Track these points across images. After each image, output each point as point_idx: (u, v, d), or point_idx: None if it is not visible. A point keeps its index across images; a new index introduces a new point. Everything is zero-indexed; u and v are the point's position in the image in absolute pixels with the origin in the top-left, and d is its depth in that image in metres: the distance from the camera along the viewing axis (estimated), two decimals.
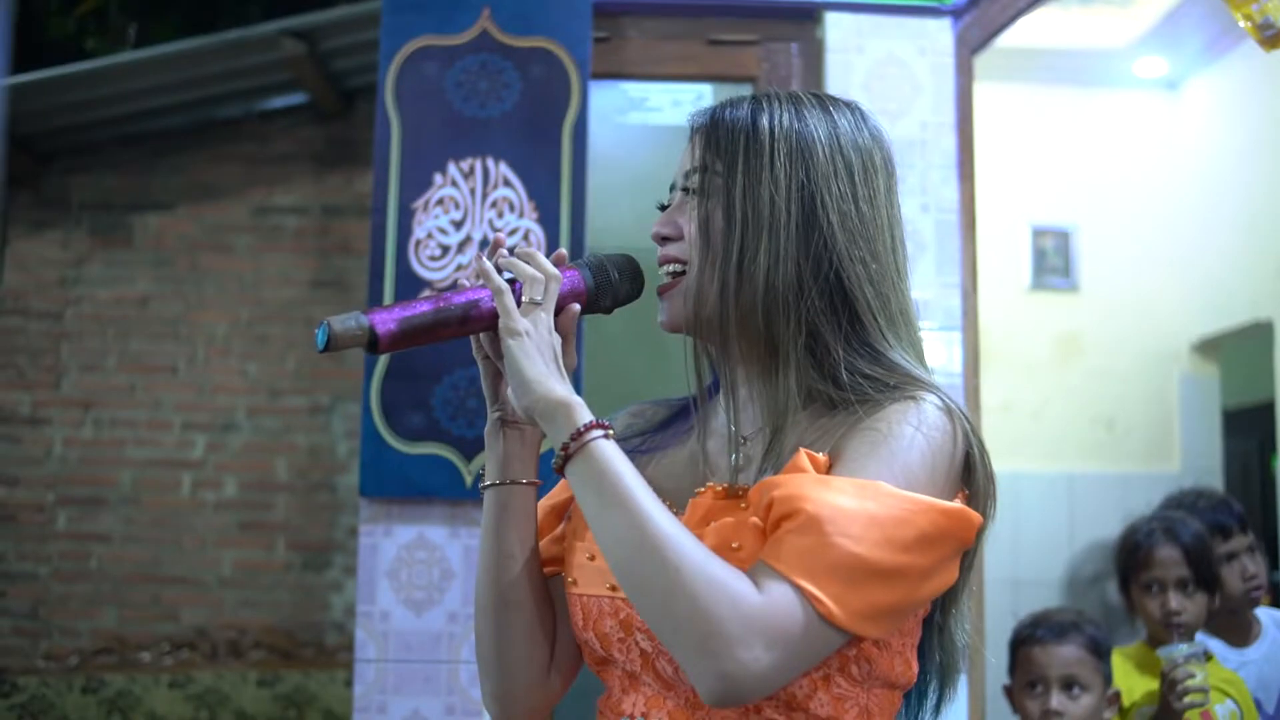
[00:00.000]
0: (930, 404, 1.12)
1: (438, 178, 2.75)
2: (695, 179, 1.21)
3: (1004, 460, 4.47)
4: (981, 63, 3.06)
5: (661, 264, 1.23)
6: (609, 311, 1.26)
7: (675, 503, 1.15)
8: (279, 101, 4.99)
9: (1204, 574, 2.45)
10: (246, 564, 4.88)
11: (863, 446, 1.09)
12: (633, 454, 1.18)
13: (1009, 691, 2.31)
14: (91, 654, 4.65)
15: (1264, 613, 2.71)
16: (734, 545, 1.07)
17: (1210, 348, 5.31)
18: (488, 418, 1.25)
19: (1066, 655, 2.20)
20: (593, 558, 1.18)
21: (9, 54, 3.24)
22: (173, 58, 4.41)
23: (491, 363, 1.22)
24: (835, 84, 2.92)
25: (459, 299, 1.15)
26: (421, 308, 1.13)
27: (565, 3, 2.82)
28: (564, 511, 1.31)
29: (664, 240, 1.23)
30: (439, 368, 2.68)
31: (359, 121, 4.88)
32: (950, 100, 2.94)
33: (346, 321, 1.10)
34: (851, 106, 1.25)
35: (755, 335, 1.18)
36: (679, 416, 1.30)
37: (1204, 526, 2.57)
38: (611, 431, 1.11)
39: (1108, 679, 2.25)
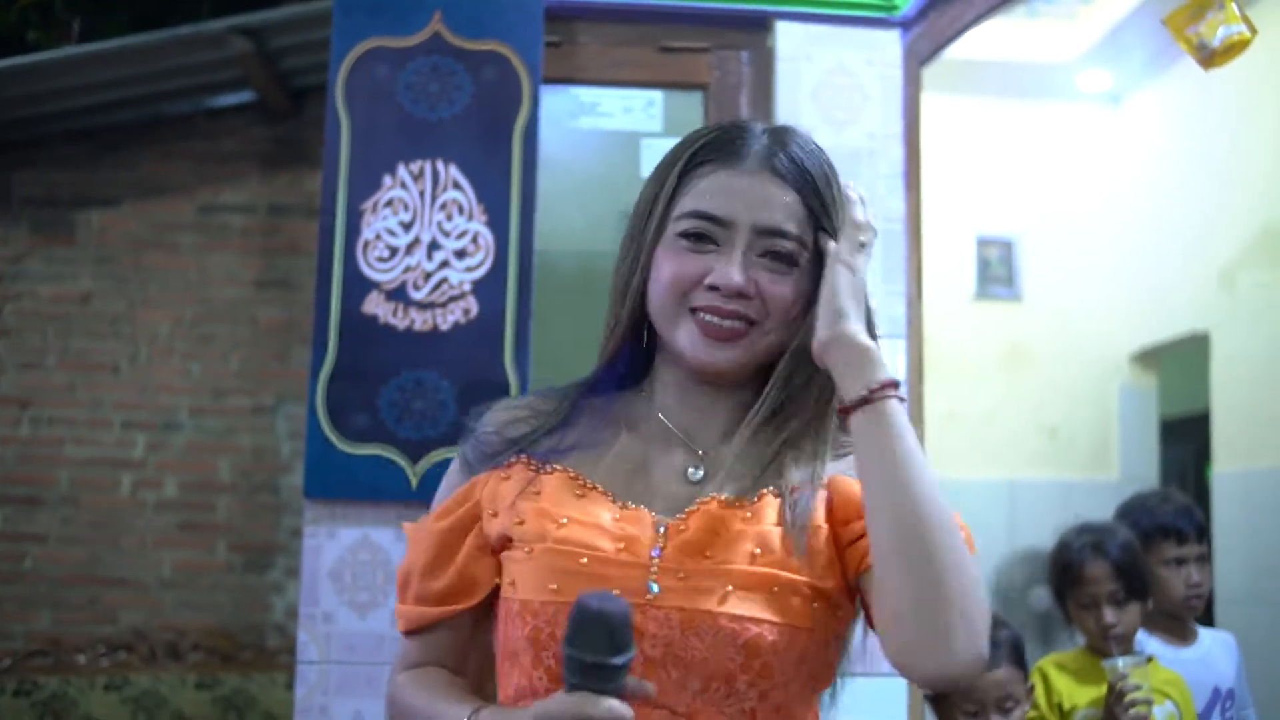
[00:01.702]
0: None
1: (387, 179, 2.74)
2: (792, 247, 1.23)
3: (948, 468, 4.52)
4: (929, 74, 3.10)
5: (724, 317, 1.22)
6: None
7: (619, 499, 1.20)
8: (227, 99, 4.94)
9: (1135, 584, 2.50)
10: (187, 565, 4.82)
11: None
12: (556, 453, 1.24)
13: (933, 701, 2.34)
14: (25, 656, 4.57)
15: (1207, 631, 2.77)
16: (755, 551, 1.14)
17: (1149, 358, 5.41)
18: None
19: (1000, 678, 2.24)
20: (589, 562, 1.16)
21: None
22: (119, 53, 4.36)
23: None
24: (785, 93, 2.94)
25: None
26: None
27: (517, 6, 2.82)
28: (463, 535, 1.26)
29: (740, 296, 1.22)
30: (386, 369, 2.67)
31: (308, 121, 4.84)
32: (898, 111, 2.97)
33: None
34: None
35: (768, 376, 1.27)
36: (581, 414, 1.30)
37: (1145, 534, 2.62)
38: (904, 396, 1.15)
39: (1025, 674, 2.32)
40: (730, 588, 1.12)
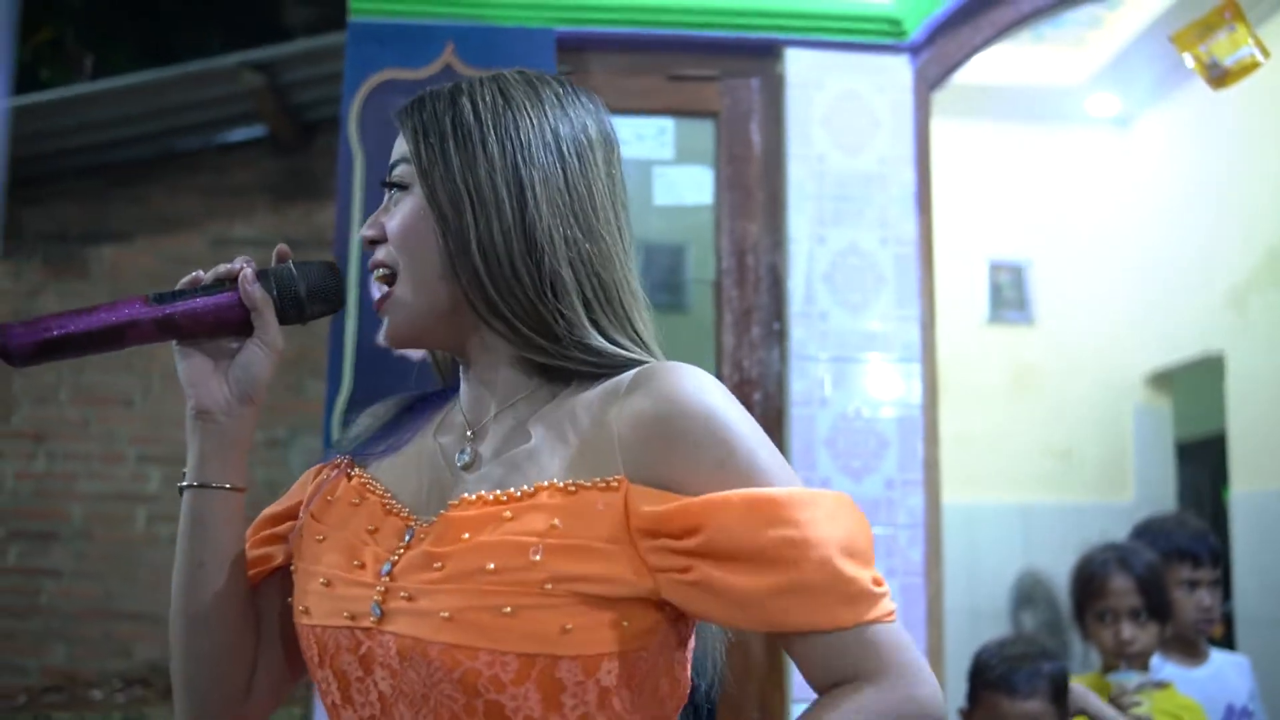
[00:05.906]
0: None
1: None
2: (400, 172, 1.12)
3: (961, 491, 4.50)
4: (939, 99, 3.11)
5: (371, 269, 1.13)
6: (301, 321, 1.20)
7: (411, 508, 1.06)
8: (238, 134, 4.98)
9: (1156, 603, 2.47)
10: None
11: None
12: (363, 453, 1.16)
13: (965, 715, 2.32)
14: (40, 692, 4.56)
15: (1219, 652, 2.76)
16: (490, 566, 0.94)
17: (1163, 380, 5.39)
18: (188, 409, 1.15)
19: (1033, 709, 2.20)
20: (329, 584, 1.04)
21: (10, 73, 3.16)
22: (131, 89, 4.39)
23: (194, 345, 1.16)
24: (795, 118, 2.95)
25: (114, 317, 1.09)
26: (75, 325, 1.07)
27: (528, 36, 2.83)
28: (284, 518, 1.21)
29: (371, 244, 1.12)
30: None
31: (318, 154, 4.87)
32: (909, 135, 2.98)
33: None
34: (561, 81, 1.17)
35: (473, 327, 1.10)
36: (414, 412, 1.21)
37: (1161, 555, 2.60)
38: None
39: (1066, 710, 2.27)
40: (447, 613, 0.94)
